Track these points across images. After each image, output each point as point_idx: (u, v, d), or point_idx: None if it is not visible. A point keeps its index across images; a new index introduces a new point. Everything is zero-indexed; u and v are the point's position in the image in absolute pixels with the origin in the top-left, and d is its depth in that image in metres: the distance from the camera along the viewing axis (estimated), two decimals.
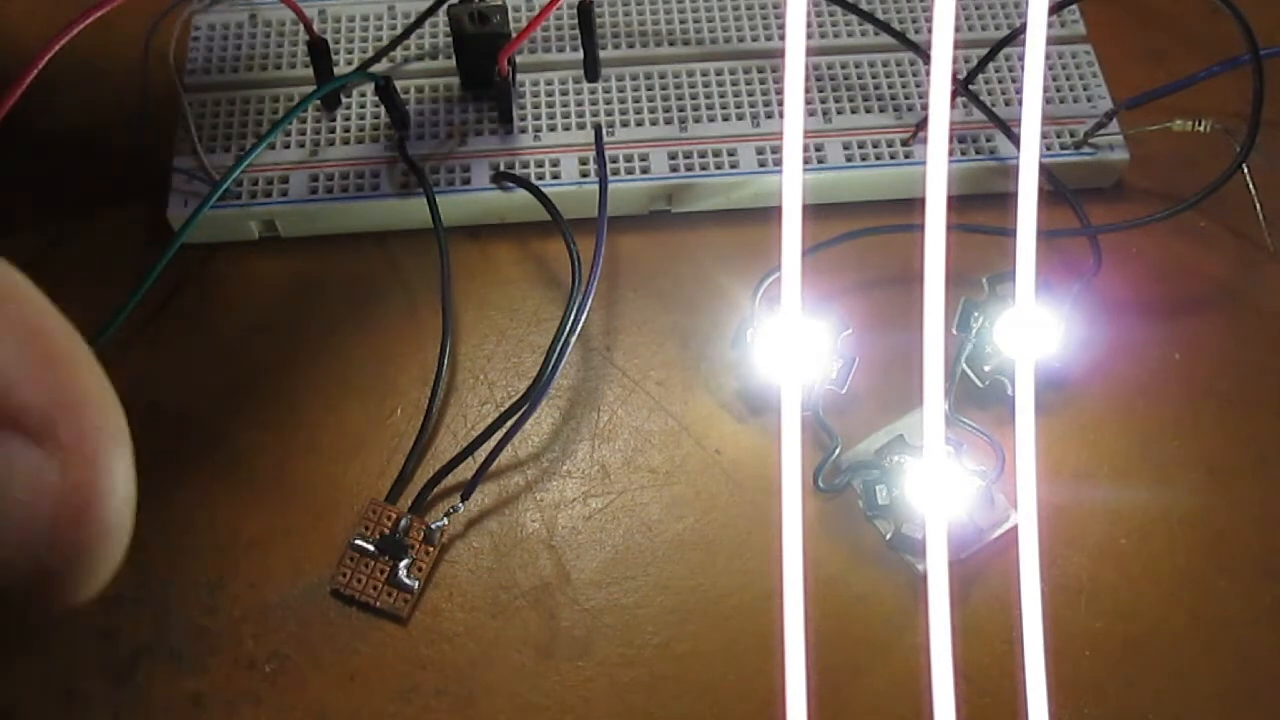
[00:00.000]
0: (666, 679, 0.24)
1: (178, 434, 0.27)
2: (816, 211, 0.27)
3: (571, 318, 0.27)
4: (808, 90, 0.31)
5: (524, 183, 0.29)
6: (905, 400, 0.27)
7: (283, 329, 0.29)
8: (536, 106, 0.31)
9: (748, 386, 0.28)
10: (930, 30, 0.28)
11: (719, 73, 0.32)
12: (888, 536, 0.26)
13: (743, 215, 0.31)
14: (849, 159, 0.30)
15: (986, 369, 0.27)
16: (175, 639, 0.24)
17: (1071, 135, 0.31)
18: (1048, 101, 0.31)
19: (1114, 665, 0.25)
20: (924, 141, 0.30)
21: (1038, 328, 0.26)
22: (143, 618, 0.25)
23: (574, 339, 0.26)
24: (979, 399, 0.27)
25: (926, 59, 0.31)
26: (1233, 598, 0.26)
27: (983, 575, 0.26)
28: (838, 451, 0.27)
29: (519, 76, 0.31)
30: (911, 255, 0.24)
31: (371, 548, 0.25)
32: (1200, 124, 0.29)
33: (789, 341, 0.26)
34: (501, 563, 0.26)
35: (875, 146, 0.31)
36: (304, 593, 0.25)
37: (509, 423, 0.26)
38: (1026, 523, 0.22)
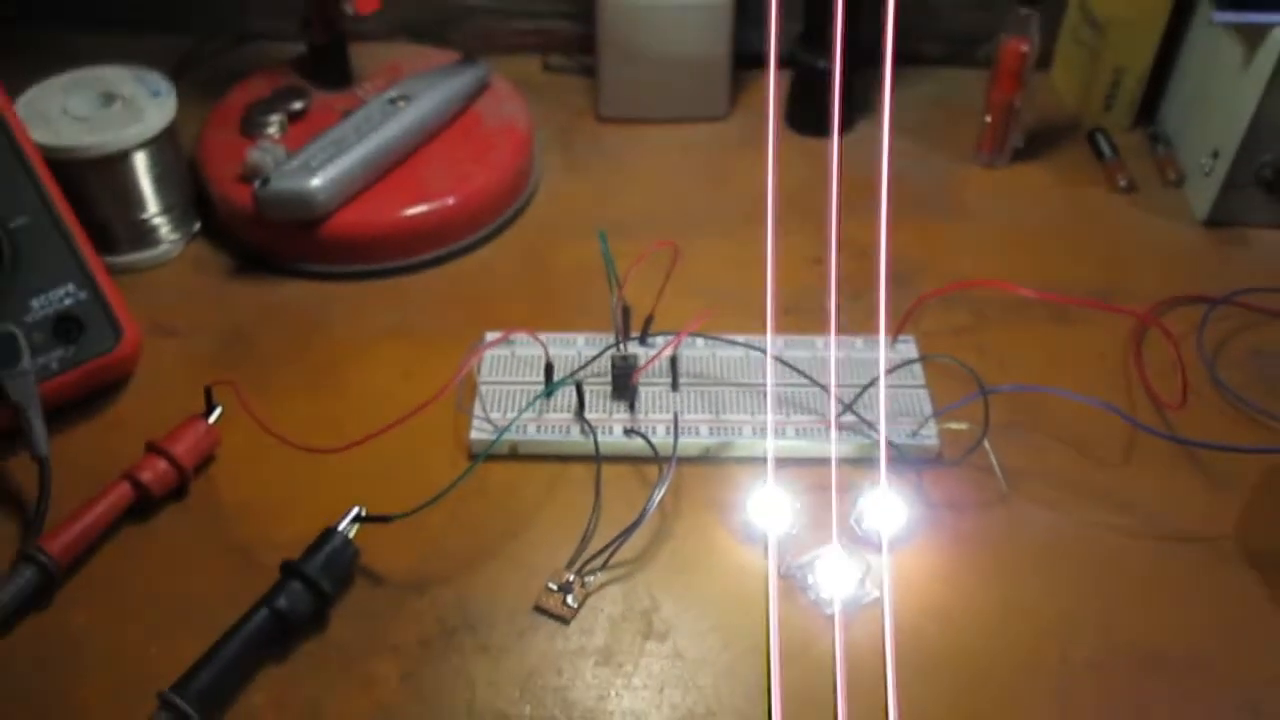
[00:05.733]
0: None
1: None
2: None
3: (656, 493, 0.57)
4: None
5: (640, 434, 0.61)
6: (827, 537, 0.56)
7: (525, 521, 0.59)
8: (644, 401, 0.64)
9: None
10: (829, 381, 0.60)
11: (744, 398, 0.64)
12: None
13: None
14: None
15: (864, 526, 0.57)
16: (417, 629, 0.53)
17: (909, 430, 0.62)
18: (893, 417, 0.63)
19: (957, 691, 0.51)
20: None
21: (890, 511, 0.56)
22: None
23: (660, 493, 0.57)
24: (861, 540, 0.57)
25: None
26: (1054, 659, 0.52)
27: (857, 622, 0.53)
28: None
29: (640, 390, 0.64)
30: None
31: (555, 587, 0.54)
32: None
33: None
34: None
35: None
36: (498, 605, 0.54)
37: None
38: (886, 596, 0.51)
